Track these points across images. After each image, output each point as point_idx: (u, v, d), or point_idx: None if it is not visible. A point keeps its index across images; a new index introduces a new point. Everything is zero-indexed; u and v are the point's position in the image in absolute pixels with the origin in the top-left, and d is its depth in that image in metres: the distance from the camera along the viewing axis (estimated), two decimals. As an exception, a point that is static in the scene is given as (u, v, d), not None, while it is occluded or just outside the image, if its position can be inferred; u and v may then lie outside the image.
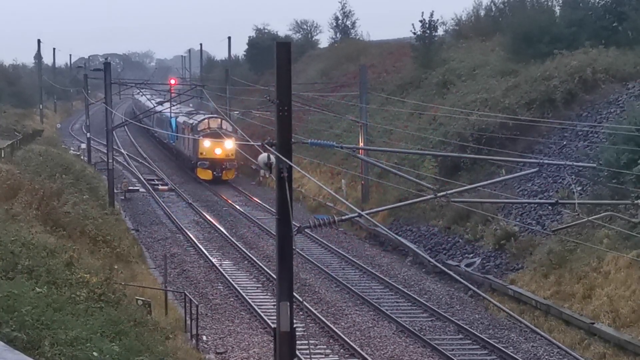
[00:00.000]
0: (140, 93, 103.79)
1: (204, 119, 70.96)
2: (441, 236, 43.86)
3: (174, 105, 76.14)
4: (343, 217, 26.62)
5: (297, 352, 20.65)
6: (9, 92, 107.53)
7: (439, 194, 25.76)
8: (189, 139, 71.58)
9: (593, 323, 30.48)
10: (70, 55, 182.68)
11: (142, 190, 64.50)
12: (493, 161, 39.44)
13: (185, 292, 33.12)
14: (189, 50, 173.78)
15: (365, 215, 21.65)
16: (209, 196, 62.85)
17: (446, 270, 14.44)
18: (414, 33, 66.70)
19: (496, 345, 30.47)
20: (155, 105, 76.55)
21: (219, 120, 69.22)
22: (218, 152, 67.87)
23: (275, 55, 18.11)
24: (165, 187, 65.85)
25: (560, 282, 33.77)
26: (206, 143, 67.43)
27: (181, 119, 77.55)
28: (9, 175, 39.56)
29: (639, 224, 29.81)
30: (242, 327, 32.54)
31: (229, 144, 66.69)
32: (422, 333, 31.49)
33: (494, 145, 43.49)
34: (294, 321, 18.54)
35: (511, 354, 29.60)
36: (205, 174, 68.48)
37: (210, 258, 43.14)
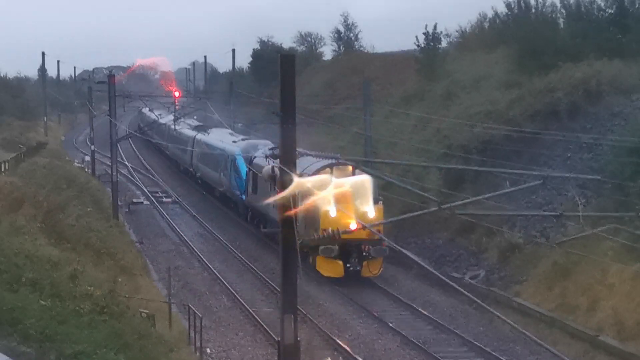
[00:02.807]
0: (148, 107, 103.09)
1: (322, 167, 41.24)
2: (445, 248, 43.82)
3: (179, 118, 75.91)
4: (347, 230, 26.63)
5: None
6: (13, 104, 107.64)
7: (443, 206, 25.81)
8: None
9: (598, 335, 30.42)
10: (75, 67, 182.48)
11: (146, 202, 64.49)
12: (497, 173, 39.39)
13: (189, 304, 33.08)
14: (193, 63, 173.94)
15: (370, 228, 21.65)
16: (213, 209, 62.79)
17: (450, 282, 14.43)
18: (418, 45, 66.80)
19: (501, 358, 30.42)
20: (173, 122, 75.16)
21: (349, 168, 40.70)
22: (353, 226, 37.09)
23: (279, 67, 18.14)
24: (169, 200, 65.82)
25: (565, 295, 33.71)
26: (332, 210, 40.44)
27: (270, 161, 54.00)
28: (13, 187, 39.60)
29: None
30: (246, 339, 32.51)
31: (372, 210, 38.31)
32: (426, 345, 31.42)
33: (498, 157, 43.43)
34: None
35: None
36: (330, 268, 40.88)
37: (214, 270, 43.10)
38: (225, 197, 60.87)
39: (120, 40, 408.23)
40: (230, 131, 68.68)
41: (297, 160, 40.65)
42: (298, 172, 38.67)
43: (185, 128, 78.81)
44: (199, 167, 68.83)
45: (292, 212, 29.31)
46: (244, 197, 54.14)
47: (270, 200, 36.07)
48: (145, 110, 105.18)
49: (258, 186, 49.18)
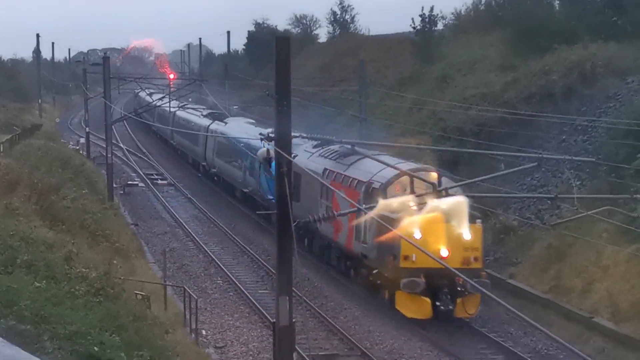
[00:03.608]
0: (146, 91, 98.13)
1: (398, 175, 33.59)
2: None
3: (173, 99, 75.22)
4: (341, 212, 26.66)
5: (296, 346, 20.65)
6: (8, 86, 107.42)
7: (438, 188, 25.82)
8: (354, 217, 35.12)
9: (592, 317, 30.51)
10: (69, 49, 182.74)
11: (141, 184, 64.46)
12: (492, 156, 39.42)
13: (185, 286, 33.13)
14: (188, 45, 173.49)
15: (365, 210, 21.69)
16: (209, 191, 62.76)
17: (445, 265, 14.44)
18: (414, 27, 66.77)
19: (495, 339, 30.50)
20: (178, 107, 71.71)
21: (433, 175, 33.27)
22: (444, 253, 30.94)
23: (274, 49, 18.13)
24: (165, 182, 65.78)
25: (560, 276, 33.79)
26: (416, 232, 30.58)
27: (319, 161, 40.86)
28: (8, 169, 39.51)
29: (638, 218, 29.84)
30: (241, 321, 32.55)
31: (467, 232, 30.46)
32: (421, 327, 31.48)
33: (493, 139, 43.44)
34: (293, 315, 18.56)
35: (510, 347, 29.63)
36: (414, 306, 31.97)
37: (210, 253, 43.12)
38: (251, 200, 52.72)
39: (115, 23, 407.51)
40: (252, 120, 61.13)
41: (356, 163, 36.40)
42: (361, 178, 34.70)
43: (195, 115, 72.33)
44: (215, 162, 61.52)
45: (383, 237, 27.85)
46: (270, 196, 44.72)
47: (359, 221, 32.73)
48: (143, 94, 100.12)
49: (302, 192, 40.03)
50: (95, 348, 16.70)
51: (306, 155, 41.79)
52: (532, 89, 46.47)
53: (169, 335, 25.16)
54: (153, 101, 77.58)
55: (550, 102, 45.24)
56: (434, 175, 32.83)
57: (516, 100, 46.52)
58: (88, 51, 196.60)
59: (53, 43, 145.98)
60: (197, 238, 46.50)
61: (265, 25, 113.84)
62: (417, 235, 30.03)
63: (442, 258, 29.11)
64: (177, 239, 47.10)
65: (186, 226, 49.72)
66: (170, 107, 74.89)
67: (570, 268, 33.50)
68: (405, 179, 32.87)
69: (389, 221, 28.35)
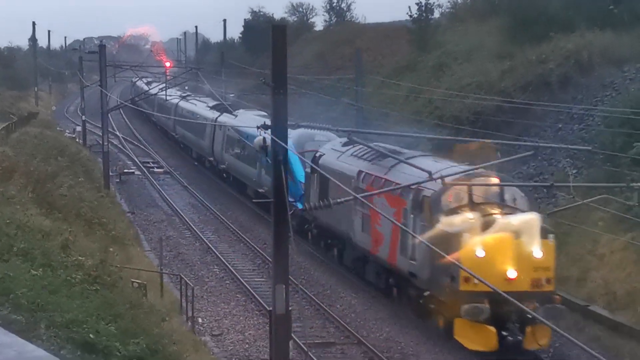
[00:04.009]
0: (145, 79, 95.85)
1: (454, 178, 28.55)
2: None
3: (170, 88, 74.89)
4: (338, 200, 26.65)
5: (293, 334, 20.68)
6: (4, 74, 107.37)
7: (434, 177, 25.80)
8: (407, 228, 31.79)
9: (588, 306, 30.55)
10: (65, 37, 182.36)
11: (137, 173, 64.42)
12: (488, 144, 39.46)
13: (181, 274, 33.15)
14: (184, 33, 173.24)
15: (359, 198, 21.71)
16: (205, 179, 62.75)
17: (442, 253, 14.46)
18: (410, 16, 66.72)
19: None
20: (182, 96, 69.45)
21: (495, 179, 28.73)
22: (512, 274, 26.97)
23: (270, 38, 18.11)
24: (161, 170, 65.73)
25: (555, 265, 33.80)
26: (478, 250, 26.83)
27: (352, 162, 36.38)
28: (4, 157, 39.49)
29: (634, 207, 29.88)
30: (237, 309, 32.58)
31: (537, 250, 27.14)
32: (417, 317, 31.51)
33: (489, 128, 43.48)
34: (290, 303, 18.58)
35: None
36: (477, 336, 27.33)
37: (206, 241, 43.13)
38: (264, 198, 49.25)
39: (112, 10, 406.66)
40: (263, 113, 53.58)
41: (399, 166, 30.97)
42: (396, 181, 29.32)
43: (200, 106, 68.01)
44: (224, 158, 56.96)
45: (448, 259, 22.71)
46: (300, 205, 40.08)
47: (418, 239, 26.95)
48: (141, 83, 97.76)
49: (331, 196, 32.32)
50: (91, 336, 16.73)
51: (335, 155, 37.87)
52: (529, 77, 46.50)
53: (165, 323, 25.19)
54: (149, 88, 77.27)
55: (546, 91, 45.27)
56: (495, 182, 28.35)
57: (512, 88, 46.56)
58: (84, 39, 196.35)
59: (49, 31, 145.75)
60: (193, 226, 46.50)
61: (261, 13, 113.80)
62: (480, 253, 26.24)
63: (510, 280, 25.84)
64: (174, 227, 47.09)
65: (182, 214, 49.71)
66: (166, 96, 74.47)
67: (566, 256, 33.52)
68: (461, 190, 28.17)
69: (445, 236, 25.81)
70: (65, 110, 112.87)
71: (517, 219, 25.96)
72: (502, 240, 26.32)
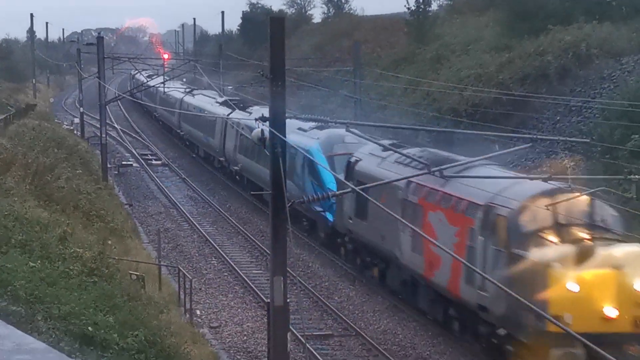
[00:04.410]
0: (146, 73, 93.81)
1: (533, 196, 24.42)
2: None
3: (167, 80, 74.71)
4: (336, 192, 26.67)
5: (290, 326, 20.69)
6: (2, 66, 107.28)
7: (433, 169, 25.81)
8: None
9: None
10: (63, 29, 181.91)
11: (135, 165, 64.41)
12: (487, 136, 39.47)
13: (179, 266, 33.16)
14: (182, 25, 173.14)
15: (358, 190, 21.72)
16: (203, 171, 62.73)
17: (439, 246, 14.48)
18: (408, 8, 66.66)
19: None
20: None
21: (584, 200, 24.25)
22: (612, 312, 22.57)
23: (268, 30, 18.11)
24: (159, 162, 65.72)
25: (553, 257, 33.74)
26: (571, 283, 22.47)
27: (397, 170, 31.10)
28: (2, 149, 39.45)
29: (632, 199, 29.87)
30: (235, 301, 32.61)
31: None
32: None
33: (487, 120, 43.50)
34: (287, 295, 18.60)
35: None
36: None
37: (204, 233, 43.14)
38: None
39: (109, 2, 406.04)
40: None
41: (456, 178, 26.77)
42: (475, 198, 24.79)
43: (208, 102, 64.03)
44: (238, 159, 52.61)
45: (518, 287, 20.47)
46: (330, 216, 37.79)
47: (473, 258, 24.24)
48: (140, 76, 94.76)
49: (370, 208, 31.97)
50: (89, 328, 16.75)
51: (374, 161, 33.17)
52: (527, 69, 46.51)
53: (163, 315, 25.24)
54: (147, 80, 76.83)
55: (544, 83, 45.28)
56: (585, 200, 24.05)
57: (511, 81, 46.57)
58: (82, 31, 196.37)
59: (47, 23, 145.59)
60: (191, 218, 46.50)
61: (259, 5, 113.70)
62: (573, 287, 22.26)
63: (609, 319, 22.07)
64: (172, 219, 47.09)
65: (180, 206, 49.71)
66: (164, 88, 74.28)
67: (564, 249, 33.50)
68: (545, 200, 23.88)
69: (529, 266, 22.40)
70: (63, 102, 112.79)
71: (620, 252, 22.18)
72: (599, 274, 22.51)
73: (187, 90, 72.91)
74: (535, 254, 22.60)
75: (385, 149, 31.92)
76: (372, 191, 28.95)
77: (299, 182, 40.54)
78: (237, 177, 53.61)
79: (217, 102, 61.87)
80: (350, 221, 34.48)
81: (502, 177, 26.93)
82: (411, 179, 29.15)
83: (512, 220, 23.78)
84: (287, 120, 41.27)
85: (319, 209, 38.46)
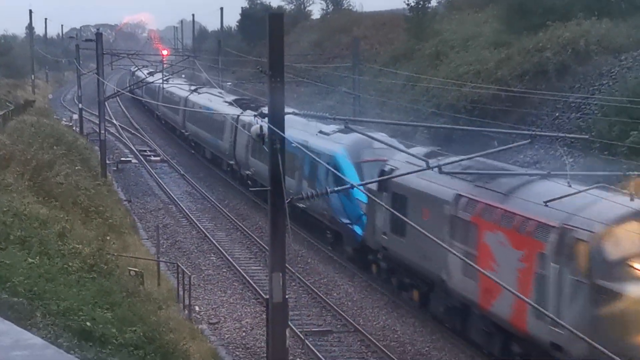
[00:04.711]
0: (147, 70, 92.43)
1: (619, 216, 20.60)
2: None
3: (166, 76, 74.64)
4: (335, 189, 26.63)
5: (289, 322, 20.71)
6: (1, 62, 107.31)
7: (431, 166, 25.76)
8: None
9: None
10: (62, 25, 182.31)
11: (134, 161, 64.41)
12: (485, 133, 39.46)
13: (178, 262, 33.17)
14: (181, 21, 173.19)
15: (357, 186, 21.69)
16: (202, 167, 62.72)
17: (438, 241, 14.45)
18: (407, 4, 66.66)
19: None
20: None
21: None
22: None
23: (267, 26, 18.10)
24: (158, 158, 65.73)
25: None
26: None
27: (443, 181, 27.43)
28: (1, 145, 39.46)
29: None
30: (234, 297, 32.61)
31: None
32: (412, 305, 31.58)
33: (486, 116, 43.49)
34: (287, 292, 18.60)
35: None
36: None
37: (203, 229, 43.14)
38: (306, 215, 40.06)
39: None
40: (295, 110, 38.67)
41: (523, 190, 23.36)
42: (546, 218, 21.38)
43: (216, 101, 60.50)
44: (250, 164, 49.43)
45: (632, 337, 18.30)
46: (359, 230, 34.40)
47: (544, 288, 21.22)
48: (141, 73, 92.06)
49: (408, 227, 28.50)
50: (88, 324, 16.76)
51: (418, 170, 26.80)
52: (526, 66, 46.50)
53: (162, 311, 25.26)
54: (147, 76, 76.59)
55: (543, 79, 45.27)
56: None
57: (510, 77, 46.56)
58: (81, 27, 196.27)
59: (46, 19, 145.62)
60: (190, 214, 46.50)
61: (258, 1, 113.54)
62: None
63: None
64: (171, 215, 47.10)
65: (179, 202, 49.71)
66: (163, 84, 74.20)
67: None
68: (634, 226, 20.13)
69: (621, 302, 19.44)
70: (62, 98, 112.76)
71: None
72: None
73: (192, 88, 70.53)
74: (628, 288, 19.51)
75: (426, 154, 28.15)
76: (412, 205, 27.32)
77: (322, 190, 35.00)
78: (248, 182, 49.50)
79: (225, 102, 58.45)
80: (385, 237, 31.10)
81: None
82: (462, 194, 25.73)
83: (597, 246, 20.23)
84: (305, 122, 38.01)
85: (345, 221, 35.37)
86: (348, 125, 24.97)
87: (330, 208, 36.94)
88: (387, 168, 31.39)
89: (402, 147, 30.12)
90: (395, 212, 23.11)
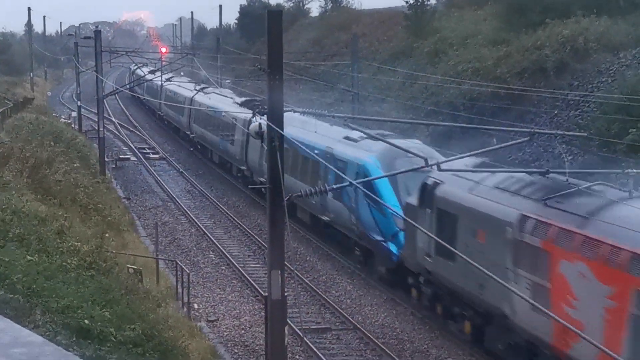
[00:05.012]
0: (148, 68, 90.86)
1: None
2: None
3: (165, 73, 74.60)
4: (334, 186, 26.62)
5: (288, 320, 20.72)
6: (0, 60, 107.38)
7: (430, 163, 25.71)
8: None
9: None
10: (61, 23, 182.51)
11: (133, 158, 64.40)
12: (484, 130, 39.49)
13: (177, 260, 33.16)
14: (180, 19, 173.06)
15: (357, 185, 21.69)
16: (200, 165, 62.72)
17: (438, 239, 14.47)
18: (406, 2, 66.66)
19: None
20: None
21: None
22: None
23: (266, 23, 18.10)
24: (156, 156, 65.72)
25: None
26: None
27: (502, 199, 23.39)
28: None
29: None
30: (233, 295, 32.61)
31: None
32: (411, 302, 31.59)
33: (485, 114, 43.50)
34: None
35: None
36: None
37: (202, 227, 43.13)
38: (327, 227, 38.08)
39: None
40: (305, 111, 31.07)
41: (609, 212, 19.49)
42: (616, 243, 17.77)
43: (225, 103, 56.87)
44: (265, 170, 43.44)
45: None
46: (395, 249, 31.21)
47: None
48: (141, 72, 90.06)
49: (459, 245, 24.15)
50: (87, 321, 16.75)
51: (464, 185, 25.33)
52: (525, 63, 46.50)
53: (161, 309, 25.25)
54: (145, 74, 76.54)
55: (542, 77, 45.27)
56: None
57: (508, 75, 46.56)
58: (80, 25, 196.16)
59: (45, 17, 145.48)
60: (189, 212, 46.50)
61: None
62: None
63: None
64: (169, 212, 47.09)
65: (178, 200, 49.70)
66: (161, 81, 74.13)
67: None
68: None
69: None
70: (61, 95, 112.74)
71: None
72: None
73: (198, 87, 67.91)
74: None
75: (476, 165, 25.44)
76: (463, 225, 24.11)
77: (351, 205, 33.79)
78: (263, 190, 38.61)
79: (236, 103, 54.90)
80: (429, 259, 27.22)
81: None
82: (528, 214, 21.68)
83: None
84: (328, 126, 36.55)
85: (378, 237, 31.74)
86: (347, 121, 23.91)
87: (359, 222, 33.28)
88: (430, 181, 27.34)
89: (441, 157, 27.40)
90: (439, 233, 20.10)
